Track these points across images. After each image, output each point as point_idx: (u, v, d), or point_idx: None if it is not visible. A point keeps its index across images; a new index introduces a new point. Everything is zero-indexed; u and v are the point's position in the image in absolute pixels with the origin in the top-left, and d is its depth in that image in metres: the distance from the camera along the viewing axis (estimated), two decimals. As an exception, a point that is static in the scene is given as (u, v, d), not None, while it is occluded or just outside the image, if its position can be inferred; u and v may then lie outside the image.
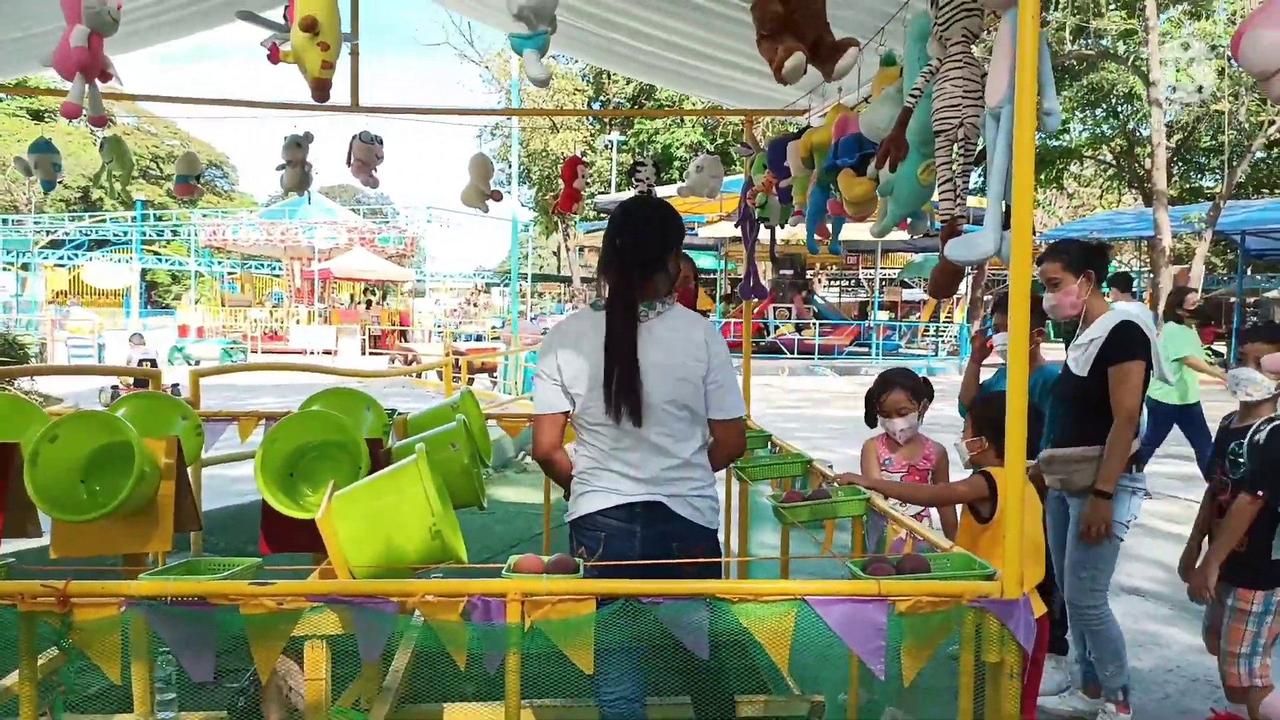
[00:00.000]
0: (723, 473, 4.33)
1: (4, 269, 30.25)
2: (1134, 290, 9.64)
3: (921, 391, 3.56)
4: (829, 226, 3.51)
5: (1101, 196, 36.89)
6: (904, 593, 1.83)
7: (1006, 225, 1.94)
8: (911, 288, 28.81)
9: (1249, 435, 3.10)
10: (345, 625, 2.13)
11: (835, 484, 3.02)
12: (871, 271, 26.93)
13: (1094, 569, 3.31)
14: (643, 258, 2.42)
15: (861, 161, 2.87)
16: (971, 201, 2.64)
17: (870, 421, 3.69)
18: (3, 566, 2.16)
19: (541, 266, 47.49)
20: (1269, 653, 3.08)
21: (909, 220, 2.66)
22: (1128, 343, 3.24)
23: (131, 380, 9.66)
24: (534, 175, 37.54)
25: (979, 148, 2.22)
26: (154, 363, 11.76)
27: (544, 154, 35.46)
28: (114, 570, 2.62)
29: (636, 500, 2.37)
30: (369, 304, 29.90)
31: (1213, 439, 3.47)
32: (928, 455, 3.61)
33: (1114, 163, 29.70)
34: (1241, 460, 3.11)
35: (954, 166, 2.23)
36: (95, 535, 2.77)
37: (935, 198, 2.30)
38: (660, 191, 4.89)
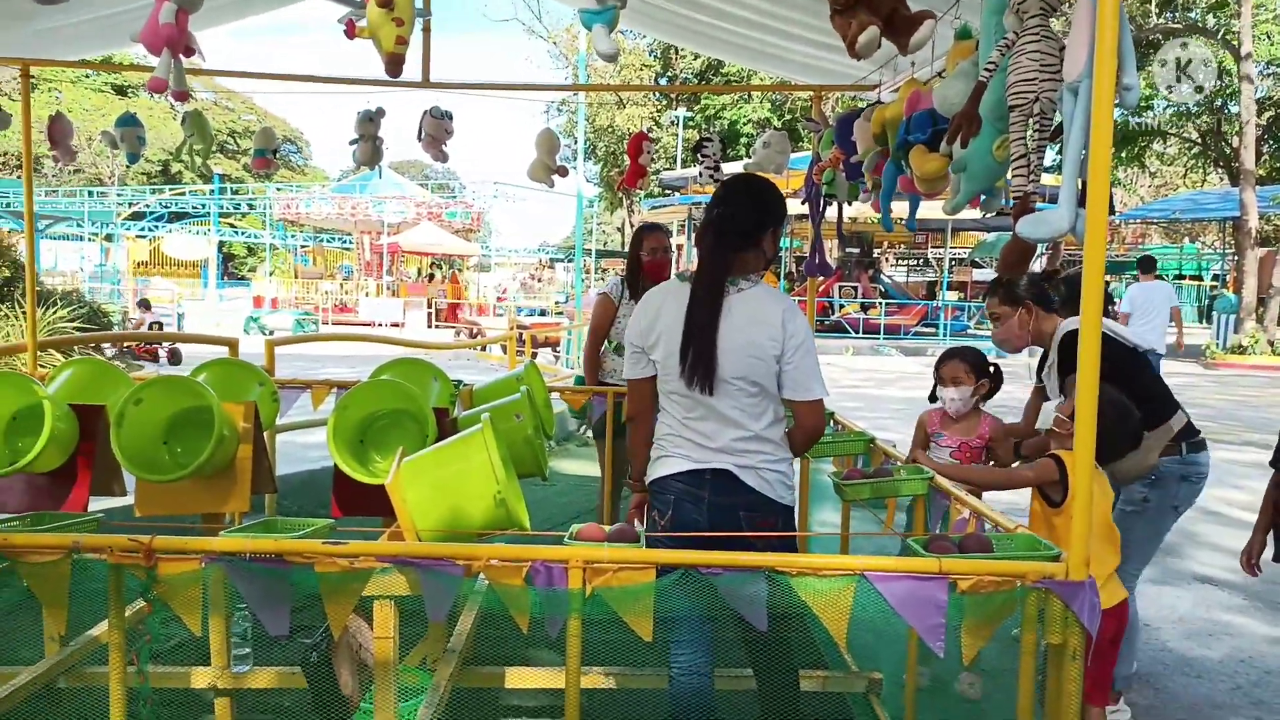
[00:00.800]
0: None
1: (89, 239, 31.42)
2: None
3: (983, 369, 3.55)
4: (907, 204, 3.47)
5: (1185, 175, 35.55)
6: (965, 571, 1.82)
7: (1082, 203, 1.90)
8: (982, 267, 28.19)
9: None
10: (413, 587, 2.20)
11: (898, 463, 3.00)
12: (940, 250, 26.41)
13: (1128, 548, 3.16)
14: (737, 232, 2.46)
15: (934, 137, 2.82)
16: (1047, 180, 2.58)
17: (932, 396, 3.67)
18: (92, 521, 2.27)
19: (606, 243, 47.62)
20: None
21: (982, 197, 2.60)
22: (1075, 348, 3.18)
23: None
24: (600, 151, 37.60)
25: (1055, 123, 2.17)
26: (162, 326, 11.95)
27: (610, 130, 35.47)
28: (195, 528, 2.73)
29: (706, 467, 2.42)
30: (431, 277, 30.30)
31: None
32: (982, 434, 3.55)
33: (1199, 141, 28.57)
34: None
35: (1029, 142, 2.19)
36: (176, 495, 2.89)
37: (1009, 174, 2.25)
38: (726, 168, 4.86)
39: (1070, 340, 3.21)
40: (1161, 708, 3.44)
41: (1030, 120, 2.17)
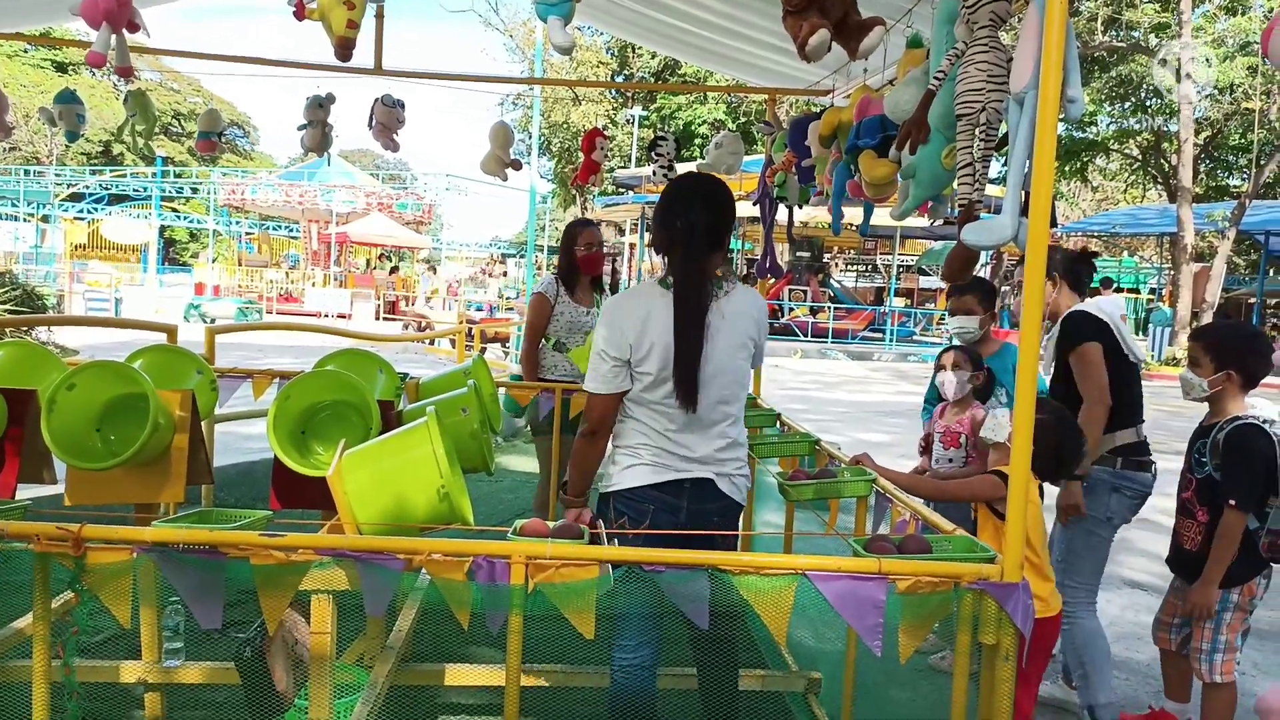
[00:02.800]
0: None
1: (25, 220, 30.44)
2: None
3: (978, 363, 3.72)
4: (850, 207, 3.51)
5: (1125, 191, 36.52)
6: (904, 572, 1.85)
7: (1025, 212, 1.94)
8: (929, 275, 28.66)
9: (1212, 434, 3.04)
10: (352, 582, 2.17)
11: (842, 465, 3.03)
12: (889, 257, 26.79)
13: (1068, 561, 3.30)
14: (712, 238, 2.44)
15: (884, 143, 2.86)
16: (992, 191, 2.63)
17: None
18: (19, 509, 2.20)
19: (558, 239, 47.41)
20: (1232, 650, 3.04)
21: (930, 204, 2.65)
22: (1076, 328, 3.31)
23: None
24: (554, 147, 37.42)
25: (1001, 133, 2.21)
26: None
27: (565, 126, 35.32)
28: (127, 518, 2.65)
29: (686, 477, 2.43)
30: (393, 270, 29.84)
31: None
32: (962, 421, 3.61)
33: (1140, 157, 29.39)
34: (1205, 460, 3.05)
35: (975, 151, 2.22)
36: (109, 484, 2.81)
37: (955, 183, 2.29)
38: (680, 168, 4.88)
39: (1069, 321, 3.34)
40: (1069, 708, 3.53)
41: (977, 129, 2.21)
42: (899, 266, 26.82)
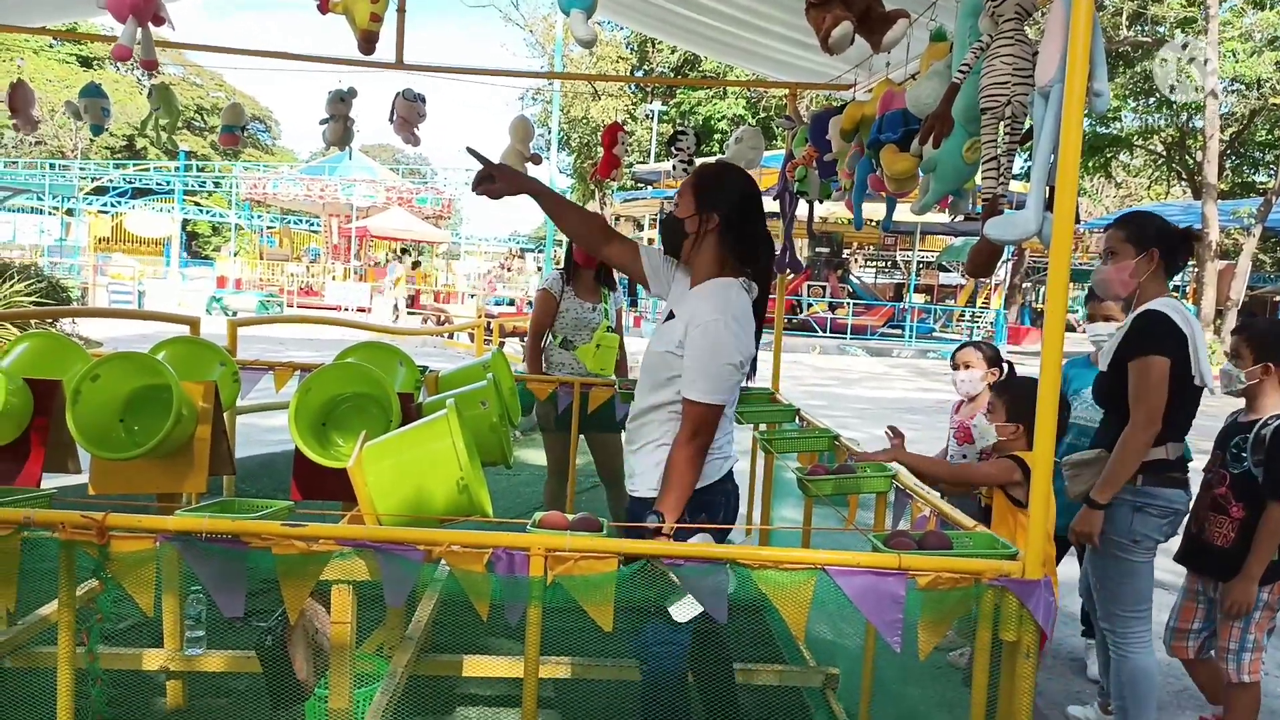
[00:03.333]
0: (749, 444, 4.39)
1: (49, 213, 30.78)
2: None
3: (996, 360, 3.75)
4: (870, 203, 3.50)
5: (1149, 187, 36.14)
6: (924, 568, 1.84)
7: (1049, 207, 1.93)
8: (949, 271, 28.49)
9: (1255, 430, 2.97)
10: (372, 572, 2.18)
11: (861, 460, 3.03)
12: (909, 253, 26.64)
13: (1106, 588, 3.05)
14: (768, 241, 2.58)
15: (905, 137, 2.84)
16: (1014, 186, 2.58)
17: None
18: (45, 497, 2.23)
19: (577, 234, 47.33)
20: (1259, 648, 3.00)
21: (951, 199, 2.63)
22: (1151, 333, 2.85)
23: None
24: (573, 142, 37.45)
25: (1026, 127, 2.19)
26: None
27: (584, 121, 35.34)
28: (150, 507, 2.68)
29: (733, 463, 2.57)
30: (416, 264, 29.92)
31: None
32: (973, 414, 3.71)
33: (1164, 153, 29.06)
34: (1245, 455, 2.98)
35: (999, 145, 2.21)
36: (132, 474, 2.84)
37: (978, 177, 2.28)
38: (699, 163, 4.87)
39: (1144, 320, 2.90)
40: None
41: (1001, 123, 2.19)
42: (919, 263, 26.67)
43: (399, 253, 30.31)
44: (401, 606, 3.09)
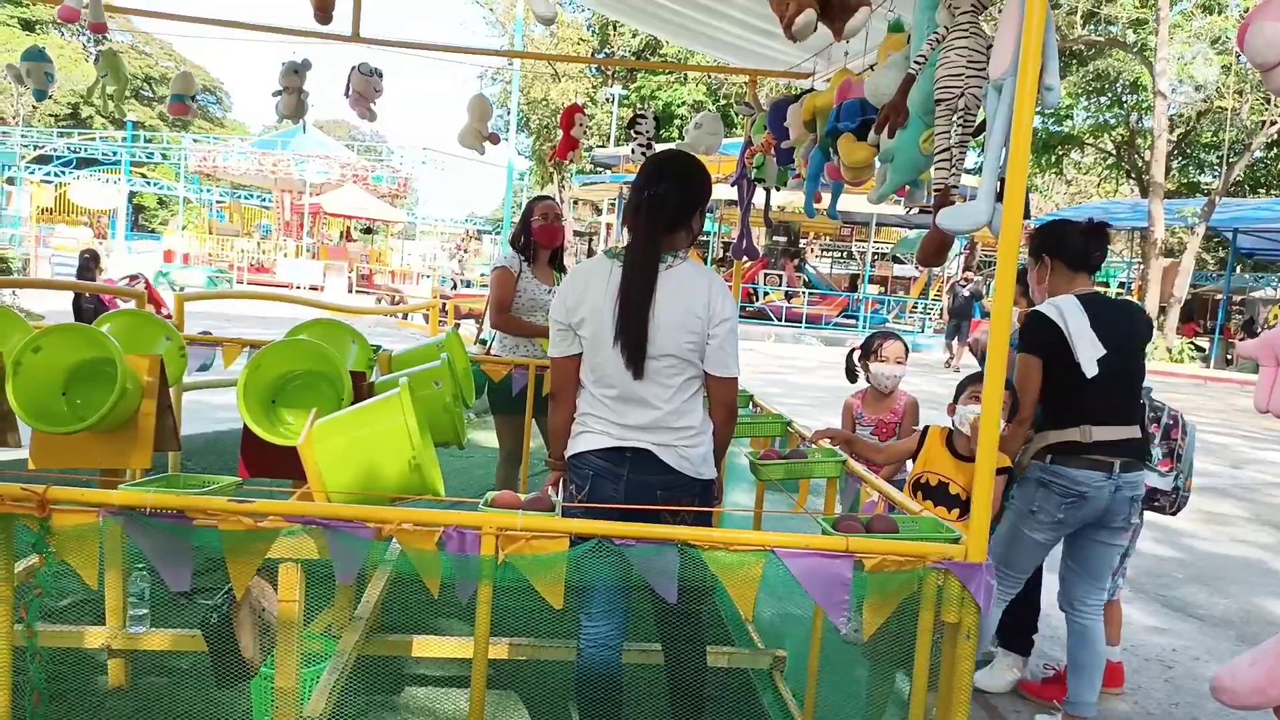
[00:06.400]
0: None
1: (-11, 181, 29.81)
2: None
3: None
4: (825, 193, 3.52)
5: (1099, 185, 36.88)
6: (871, 550, 1.87)
7: (1000, 199, 1.96)
8: (903, 263, 28.83)
9: None
10: (322, 551, 2.16)
11: (812, 443, 3.07)
12: (865, 244, 26.91)
13: (996, 544, 3.23)
14: (669, 212, 2.46)
15: (863, 127, 2.86)
16: (967, 180, 2.63)
17: (851, 377, 3.80)
18: (-17, 470, 2.17)
19: (534, 216, 47.07)
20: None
21: (907, 188, 2.66)
22: (1025, 332, 3.16)
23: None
24: (533, 124, 37.16)
25: (979, 119, 2.22)
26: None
27: (544, 103, 35.07)
28: (92, 482, 2.63)
29: (626, 445, 2.43)
30: (367, 230, 29.43)
31: None
32: (895, 409, 3.74)
33: (1114, 152, 29.66)
34: None
35: (953, 137, 2.24)
36: (75, 448, 2.78)
37: (932, 168, 2.31)
38: (659, 148, 4.86)
39: (1028, 321, 3.16)
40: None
41: (955, 115, 2.22)
42: (874, 254, 26.95)
43: (362, 230, 29.92)
44: (352, 584, 3.07)
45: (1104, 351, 3.04)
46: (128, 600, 2.82)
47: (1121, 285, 30.72)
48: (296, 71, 4.53)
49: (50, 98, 4.80)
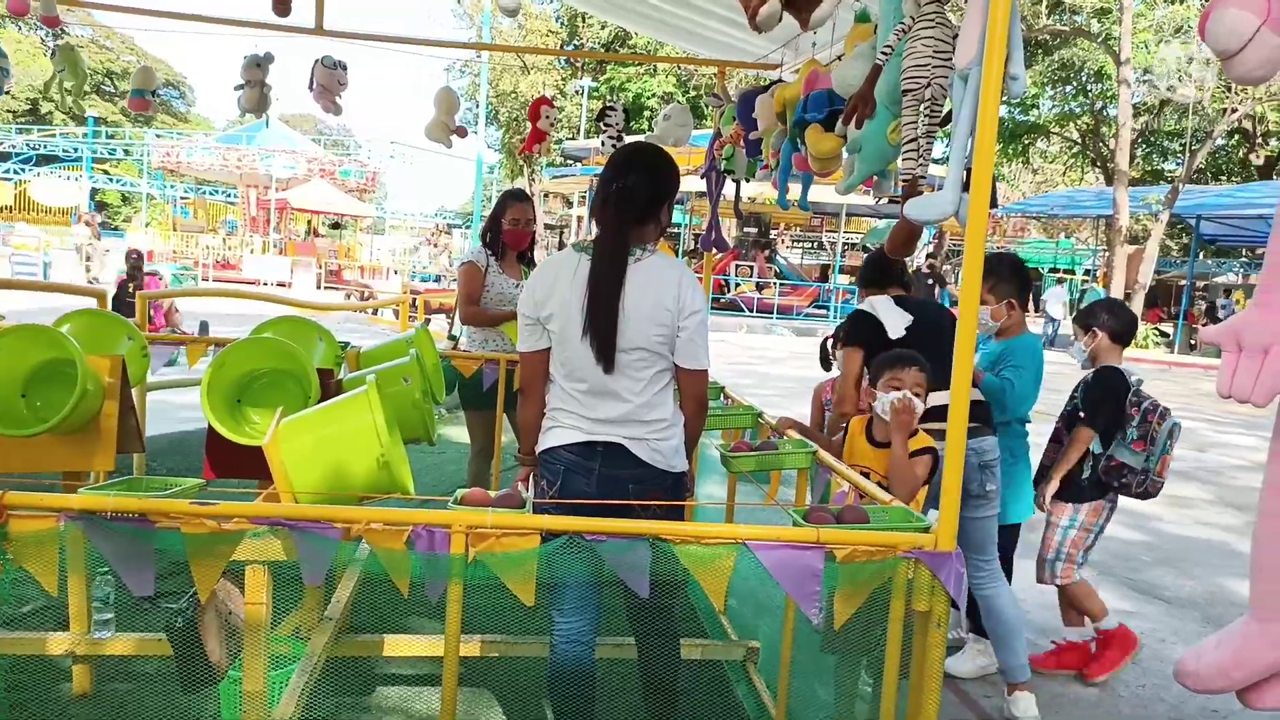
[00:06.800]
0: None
1: (-54, 179, 29.18)
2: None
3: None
4: (794, 185, 3.53)
5: (1065, 173, 37.29)
6: (842, 541, 1.87)
7: (966, 188, 1.96)
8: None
9: (1083, 378, 3.75)
10: (289, 552, 2.13)
11: (781, 433, 3.07)
12: (835, 235, 27.05)
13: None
14: (638, 204, 2.44)
15: (830, 117, 2.86)
16: (935, 170, 2.63)
17: (825, 365, 3.80)
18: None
19: (504, 210, 46.89)
20: (1073, 561, 3.67)
21: (875, 179, 2.66)
22: (850, 327, 3.42)
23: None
24: (502, 116, 36.96)
25: (946, 109, 2.23)
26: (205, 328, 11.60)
27: (513, 95, 34.90)
28: (55, 485, 2.58)
29: (597, 439, 2.42)
30: (335, 225, 29.17)
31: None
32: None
33: (1079, 141, 29.99)
34: (1075, 397, 3.73)
35: (919, 127, 2.24)
36: (35, 451, 2.73)
37: (899, 158, 2.31)
38: (628, 140, 4.84)
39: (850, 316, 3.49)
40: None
41: (922, 105, 2.22)
42: (844, 244, 27.10)
43: (329, 226, 29.63)
44: (320, 585, 3.03)
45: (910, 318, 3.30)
46: (91, 605, 2.77)
47: (1087, 273, 31.12)
48: (259, 65, 4.47)
49: (8, 93, 4.70)
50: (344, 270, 25.82)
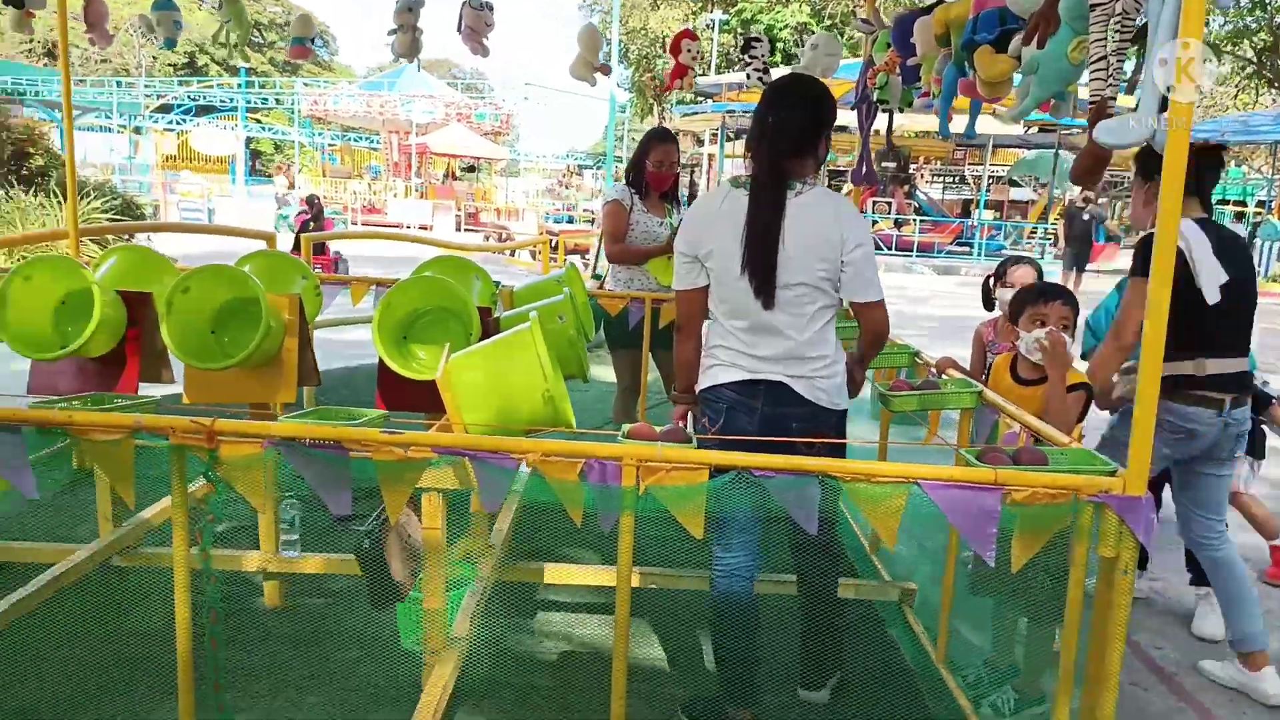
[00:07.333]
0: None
1: (117, 131, 31.28)
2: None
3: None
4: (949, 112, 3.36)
5: (1236, 96, 34.27)
6: (1021, 483, 1.81)
7: (1164, 109, 1.82)
8: (1020, 186, 27.55)
9: None
10: (460, 480, 2.23)
11: (940, 373, 2.98)
12: (979, 168, 25.81)
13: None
14: (794, 138, 2.39)
15: (1002, 38, 2.71)
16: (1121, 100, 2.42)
17: (988, 305, 3.62)
18: (151, 403, 2.31)
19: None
20: None
21: (1052, 102, 2.51)
22: (1142, 256, 2.81)
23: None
24: (632, 54, 36.68)
25: (1138, 24, 2.07)
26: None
27: (642, 32, 34.53)
28: (241, 414, 2.76)
29: (760, 377, 2.41)
30: (472, 169, 29.94)
31: None
32: None
33: (1254, 59, 27.42)
34: None
35: (1108, 44, 2.09)
36: (225, 383, 2.92)
37: (1087, 77, 2.16)
38: (775, 72, 4.72)
39: (1144, 243, 2.81)
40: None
41: (1111, 20, 2.07)
42: (990, 178, 25.83)
43: (465, 169, 30.34)
44: (496, 511, 3.17)
45: (1227, 278, 2.77)
46: (279, 526, 2.97)
47: (1261, 204, 28.68)
48: (410, 9, 4.55)
49: (177, 44, 4.96)
50: (480, 213, 26.42)
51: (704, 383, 2.51)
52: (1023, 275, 3.47)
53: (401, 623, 2.64)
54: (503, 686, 2.66)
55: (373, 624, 2.85)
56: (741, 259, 2.35)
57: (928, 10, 3.41)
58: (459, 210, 25.23)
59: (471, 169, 31.09)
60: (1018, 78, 2.69)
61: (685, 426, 2.55)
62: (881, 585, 3.28)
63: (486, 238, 21.99)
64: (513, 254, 16.57)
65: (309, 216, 12.05)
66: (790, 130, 2.39)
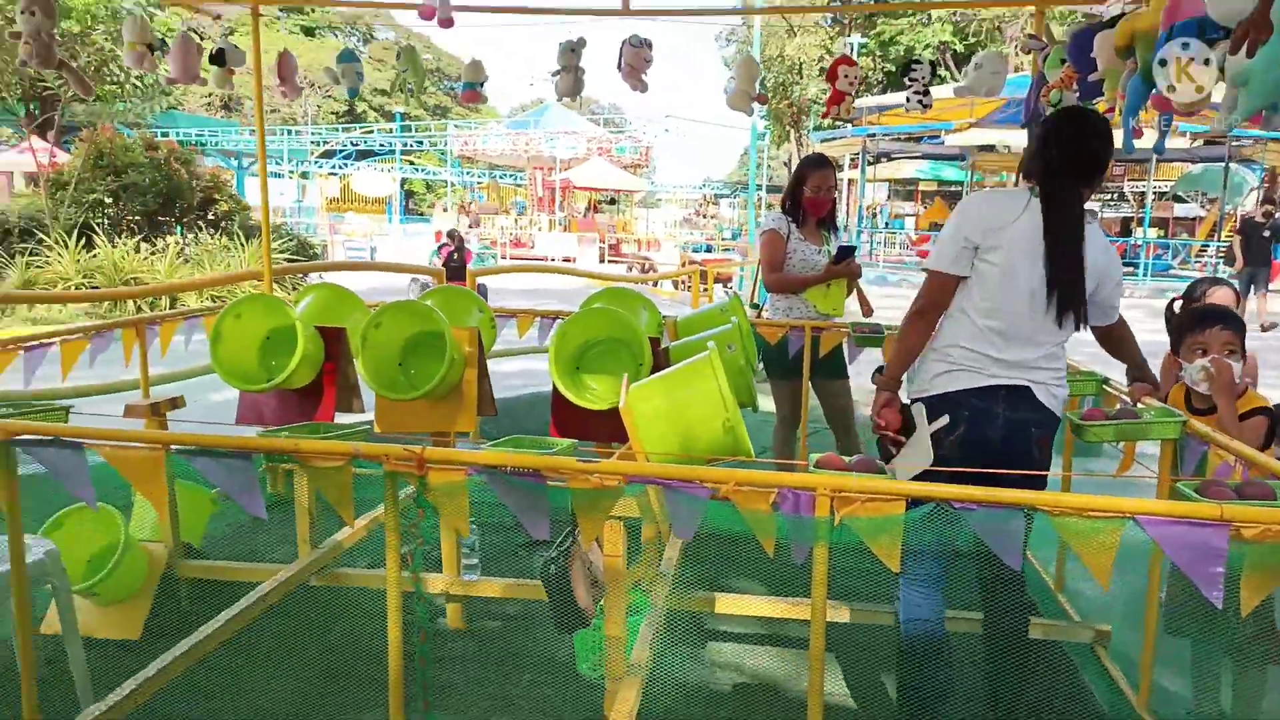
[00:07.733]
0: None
1: (287, 177, 33.57)
2: None
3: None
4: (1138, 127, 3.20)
5: None
6: (1252, 520, 1.69)
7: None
8: (1185, 202, 25.94)
9: None
10: (642, 509, 2.26)
11: (1137, 401, 2.82)
12: (1141, 184, 24.44)
13: None
14: (1099, 169, 2.48)
15: (1201, 48, 2.56)
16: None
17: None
18: (362, 432, 2.45)
19: (772, 178, 46.79)
20: None
21: (1264, 114, 2.36)
22: None
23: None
24: (769, 82, 36.65)
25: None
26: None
27: (779, 59, 34.47)
28: (422, 442, 2.89)
29: (1001, 383, 2.41)
30: (612, 201, 30.67)
31: None
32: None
33: None
34: None
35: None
36: (412, 413, 3.07)
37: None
38: (936, 92, 4.63)
39: None
40: None
41: (1338, 24, 1.93)
42: (1155, 194, 24.42)
43: (605, 202, 31.05)
44: (689, 539, 3.19)
45: None
46: (460, 551, 3.08)
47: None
48: (573, 50, 4.70)
49: (359, 94, 5.29)
50: (621, 244, 26.88)
51: (941, 387, 2.46)
52: (1222, 298, 3.25)
53: (579, 648, 2.69)
54: (682, 716, 2.66)
55: (549, 647, 2.91)
56: (1035, 270, 2.38)
57: (1108, 24, 3.27)
58: (602, 242, 25.73)
59: (612, 201, 31.74)
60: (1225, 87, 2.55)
61: (890, 416, 2.51)
62: (1073, 626, 3.11)
63: (629, 268, 22.33)
64: (656, 284, 16.76)
65: (452, 248, 12.53)
66: (1099, 162, 2.48)
